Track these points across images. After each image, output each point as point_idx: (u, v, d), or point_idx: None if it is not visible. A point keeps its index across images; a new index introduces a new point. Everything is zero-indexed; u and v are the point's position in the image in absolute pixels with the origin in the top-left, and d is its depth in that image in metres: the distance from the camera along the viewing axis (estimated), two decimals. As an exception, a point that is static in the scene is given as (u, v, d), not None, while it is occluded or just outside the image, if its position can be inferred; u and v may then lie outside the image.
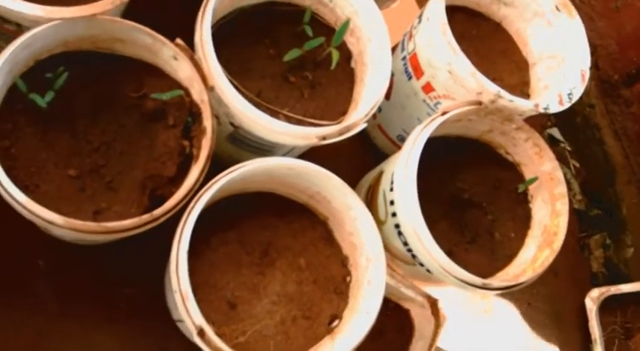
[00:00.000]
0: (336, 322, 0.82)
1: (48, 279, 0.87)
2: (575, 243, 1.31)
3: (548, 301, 1.21)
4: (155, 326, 0.90)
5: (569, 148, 1.39)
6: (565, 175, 1.16)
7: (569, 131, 1.40)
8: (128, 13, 0.84)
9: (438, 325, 0.94)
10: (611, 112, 1.35)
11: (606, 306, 1.21)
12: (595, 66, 1.32)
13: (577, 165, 1.39)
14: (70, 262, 0.88)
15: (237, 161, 0.84)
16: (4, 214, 0.82)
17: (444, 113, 0.87)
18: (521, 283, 0.87)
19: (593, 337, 1.17)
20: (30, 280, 0.86)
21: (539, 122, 0.95)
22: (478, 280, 0.83)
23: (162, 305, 0.90)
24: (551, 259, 0.89)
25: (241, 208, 0.84)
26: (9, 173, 0.66)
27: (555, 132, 1.39)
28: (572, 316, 1.22)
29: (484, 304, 1.15)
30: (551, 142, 1.37)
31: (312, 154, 0.88)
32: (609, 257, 1.31)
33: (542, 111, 0.93)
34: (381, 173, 0.93)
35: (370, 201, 0.92)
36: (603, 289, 1.21)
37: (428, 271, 0.86)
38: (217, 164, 0.79)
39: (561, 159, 1.34)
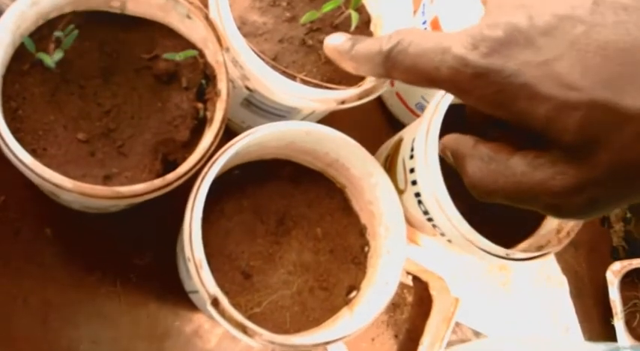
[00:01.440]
0: (354, 293, 0.80)
1: (56, 248, 0.85)
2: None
3: (567, 275, 1.19)
4: (166, 298, 0.88)
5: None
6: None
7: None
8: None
9: (456, 299, 0.92)
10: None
11: (627, 280, 1.19)
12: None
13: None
14: (78, 231, 0.86)
15: (251, 127, 0.81)
16: (9, 181, 0.80)
17: (466, 79, 0.84)
18: (546, 254, 0.84)
19: (614, 311, 1.15)
20: (37, 249, 0.84)
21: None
22: (501, 251, 0.81)
23: (174, 277, 0.88)
24: (576, 230, 0.86)
25: (256, 176, 0.82)
26: (16, 136, 0.64)
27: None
28: (592, 290, 1.20)
29: (502, 276, 1.12)
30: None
31: (327, 122, 0.85)
32: (630, 231, 1.29)
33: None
34: (400, 141, 0.90)
35: (389, 169, 0.89)
36: (625, 262, 1.18)
37: (448, 241, 0.83)
38: (231, 131, 0.76)
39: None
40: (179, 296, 0.87)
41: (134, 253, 0.88)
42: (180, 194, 0.70)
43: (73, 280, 0.85)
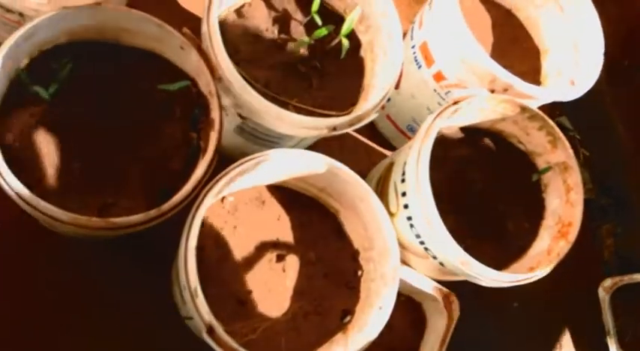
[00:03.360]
0: (348, 318, 0.80)
1: (49, 275, 0.85)
2: (586, 232, 1.29)
3: (559, 292, 1.19)
4: (162, 322, 0.88)
5: (578, 137, 1.37)
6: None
7: (578, 119, 1.38)
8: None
9: (450, 319, 0.92)
10: (621, 98, 1.32)
11: (619, 296, 1.19)
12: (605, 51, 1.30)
13: (586, 153, 1.37)
14: (74, 257, 0.86)
15: (244, 153, 0.82)
16: (5, 210, 0.80)
17: (455, 102, 0.85)
18: (537, 276, 0.85)
19: (606, 327, 1.16)
20: (31, 277, 0.84)
21: (547, 111, 0.94)
22: (493, 273, 0.82)
23: (169, 302, 0.88)
24: (566, 250, 0.87)
25: (249, 202, 0.82)
26: (11, 168, 0.64)
27: (564, 120, 1.36)
28: (584, 306, 1.21)
29: (494, 295, 1.13)
30: (560, 130, 1.35)
31: (318, 146, 0.86)
32: (620, 246, 1.30)
33: (556, 98, 0.92)
34: (391, 164, 0.91)
35: (380, 193, 0.90)
36: (616, 278, 1.19)
37: (441, 264, 0.84)
38: (224, 156, 0.77)
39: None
40: (174, 321, 0.87)
41: (129, 279, 0.88)
42: (175, 220, 0.70)
43: (70, 307, 0.85)
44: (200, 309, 0.67)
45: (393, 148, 1.00)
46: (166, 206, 0.67)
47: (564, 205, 0.91)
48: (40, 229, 0.83)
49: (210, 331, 0.67)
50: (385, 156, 0.98)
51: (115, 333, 0.87)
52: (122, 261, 0.88)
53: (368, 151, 1.08)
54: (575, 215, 0.89)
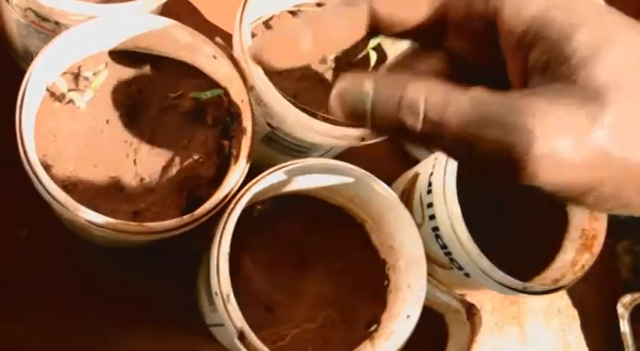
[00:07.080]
0: (374, 327, 0.81)
1: (76, 282, 0.86)
2: (604, 249, 1.29)
3: (578, 308, 1.19)
4: (186, 331, 0.89)
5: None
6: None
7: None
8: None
9: (473, 331, 0.92)
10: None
11: (638, 312, 1.19)
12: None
13: (604, 170, 1.37)
14: (97, 265, 0.87)
15: (271, 163, 0.82)
16: (34, 219, 0.81)
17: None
18: (562, 287, 0.86)
19: (625, 344, 1.15)
20: (57, 284, 0.85)
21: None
22: (519, 284, 0.82)
23: (194, 309, 0.88)
24: (590, 263, 0.88)
25: (277, 211, 0.83)
26: (47, 172, 0.65)
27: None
28: (602, 323, 1.20)
29: (513, 310, 1.13)
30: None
31: (344, 158, 0.87)
32: (638, 263, 1.29)
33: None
34: (416, 176, 0.91)
35: (406, 204, 0.90)
36: (636, 294, 1.18)
37: (466, 275, 0.85)
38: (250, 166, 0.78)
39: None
40: (199, 329, 0.88)
41: (153, 286, 0.89)
42: (195, 229, 0.71)
43: (93, 313, 0.86)
44: (232, 315, 0.67)
45: (414, 160, 1.01)
46: (199, 212, 0.68)
47: (588, 218, 0.92)
48: (67, 236, 0.84)
49: (242, 336, 0.67)
50: (408, 167, 0.98)
51: (138, 343, 0.87)
52: (145, 268, 0.88)
53: (391, 162, 1.09)
54: (600, 229, 0.90)
